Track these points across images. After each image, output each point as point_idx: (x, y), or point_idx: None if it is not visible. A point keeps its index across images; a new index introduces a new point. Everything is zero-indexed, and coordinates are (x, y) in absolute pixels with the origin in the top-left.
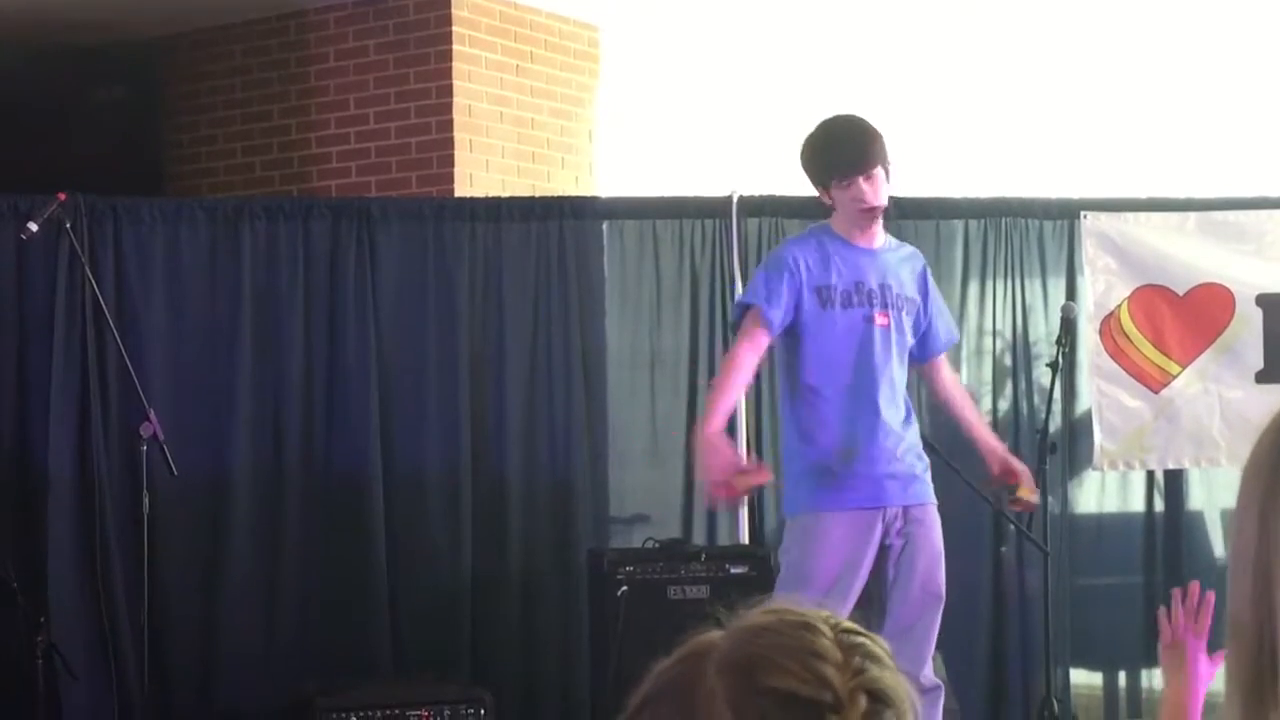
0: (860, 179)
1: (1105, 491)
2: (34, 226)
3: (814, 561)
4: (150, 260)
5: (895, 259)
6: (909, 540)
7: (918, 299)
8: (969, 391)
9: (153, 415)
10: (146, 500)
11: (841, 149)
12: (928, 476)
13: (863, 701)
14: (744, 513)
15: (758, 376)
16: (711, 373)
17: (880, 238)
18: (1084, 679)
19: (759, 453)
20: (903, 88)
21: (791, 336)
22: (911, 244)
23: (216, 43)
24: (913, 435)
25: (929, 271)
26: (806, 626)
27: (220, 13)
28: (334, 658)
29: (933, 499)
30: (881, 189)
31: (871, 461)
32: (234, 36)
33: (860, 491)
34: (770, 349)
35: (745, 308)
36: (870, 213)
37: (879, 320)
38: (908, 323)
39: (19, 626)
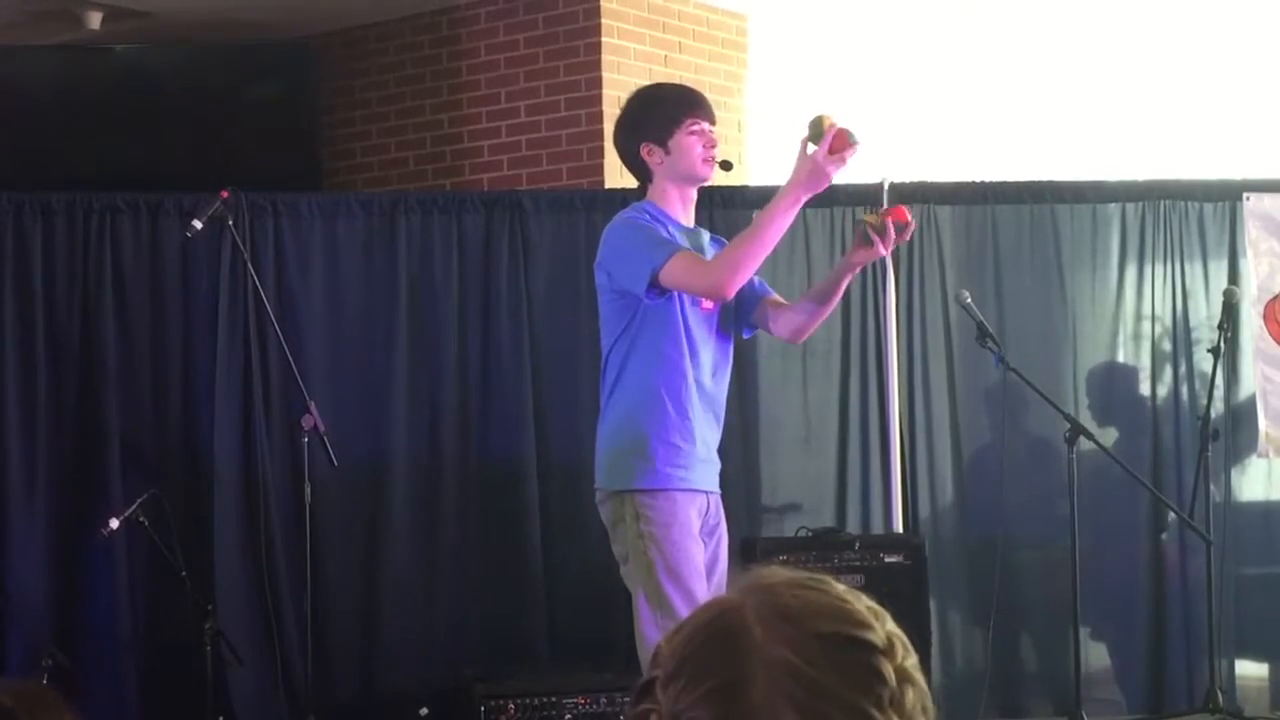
0: (706, 124)
1: (1270, 479)
2: (198, 224)
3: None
4: (309, 255)
5: (706, 238)
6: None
7: None
8: (1127, 372)
9: (313, 408)
10: (308, 490)
11: (691, 94)
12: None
13: (899, 646)
14: (897, 502)
15: (910, 374)
16: (863, 361)
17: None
18: (1249, 670)
19: (911, 452)
20: (1057, 70)
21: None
22: (1066, 228)
23: (369, 40)
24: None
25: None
26: (817, 581)
27: (373, 10)
28: (491, 644)
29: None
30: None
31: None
32: (387, 33)
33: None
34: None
35: (659, 267)
36: (711, 164)
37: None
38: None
39: (187, 614)
